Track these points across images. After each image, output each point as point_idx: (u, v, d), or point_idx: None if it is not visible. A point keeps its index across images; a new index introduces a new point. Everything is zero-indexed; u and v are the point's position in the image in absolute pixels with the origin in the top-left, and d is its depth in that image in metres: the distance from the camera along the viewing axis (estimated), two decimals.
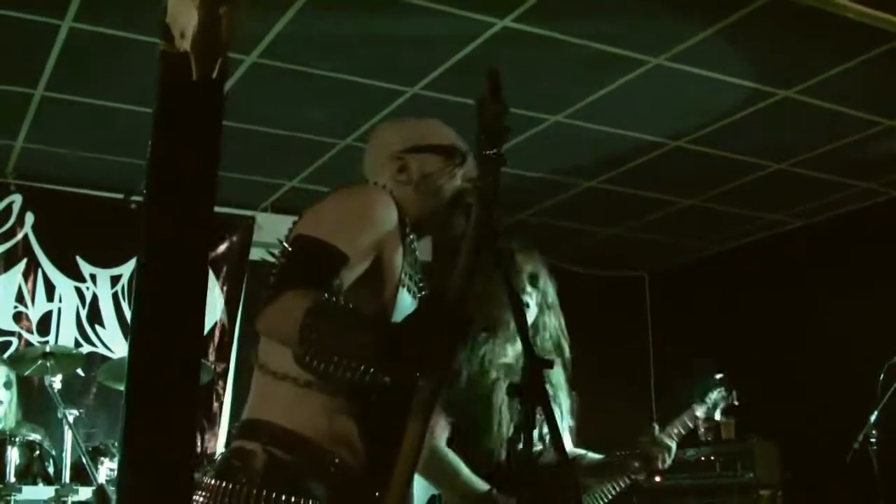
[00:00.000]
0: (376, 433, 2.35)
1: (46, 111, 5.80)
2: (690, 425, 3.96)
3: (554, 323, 3.61)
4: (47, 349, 5.76)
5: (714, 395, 4.16)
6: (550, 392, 3.50)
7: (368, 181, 2.66)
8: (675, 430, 3.85)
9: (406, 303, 2.45)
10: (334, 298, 2.21)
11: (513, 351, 3.48)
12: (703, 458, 7.17)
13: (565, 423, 3.61)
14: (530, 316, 3.51)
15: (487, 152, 2.18)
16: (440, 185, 2.61)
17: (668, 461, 3.68)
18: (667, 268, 9.10)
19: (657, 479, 3.93)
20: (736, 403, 4.25)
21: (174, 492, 1.94)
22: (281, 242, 2.39)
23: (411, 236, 2.56)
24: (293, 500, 2.24)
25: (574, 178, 7.10)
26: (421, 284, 2.59)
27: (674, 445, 3.71)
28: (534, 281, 3.54)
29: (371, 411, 2.35)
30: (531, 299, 3.52)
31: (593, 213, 7.82)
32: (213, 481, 2.31)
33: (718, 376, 4.22)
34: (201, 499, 2.30)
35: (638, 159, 6.66)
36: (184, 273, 1.61)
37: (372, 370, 2.14)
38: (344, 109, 5.88)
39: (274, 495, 2.23)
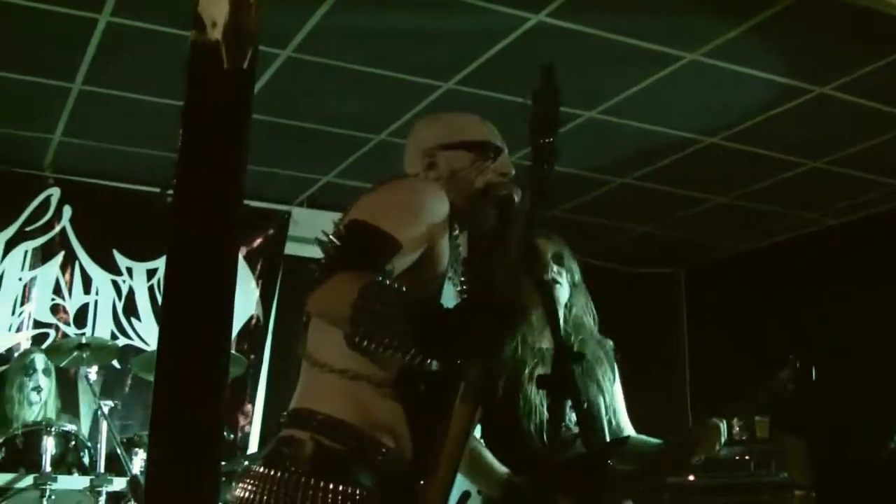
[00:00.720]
0: (422, 423, 2.37)
1: (84, 105, 5.84)
2: (747, 409, 3.81)
3: (582, 300, 3.60)
4: (83, 341, 5.81)
5: (782, 375, 4.00)
6: (586, 368, 3.49)
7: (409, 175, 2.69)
8: (728, 413, 3.72)
9: (449, 294, 2.49)
10: (387, 282, 2.23)
11: (549, 337, 3.46)
12: (736, 458, 7.12)
13: (609, 392, 3.56)
14: (564, 293, 3.50)
15: (542, 141, 2.20)
16: (470, 180, 2.63)
17: (718, 445, 3.54)
18: (703, 265, 9.03)
19: (691, 477, 3.83)
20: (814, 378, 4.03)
21: (202, 481, 1.96)
22: (336, 225, 2.41)
23: (456, 231, 2.59)
24: (341, 488, 2.26)
25: (608, 175, 7.08)
26: (462, 278, 2.61)
27: (723, 426, 3.58)
28: (559, 260, 3.52)
29: (417, 401, 2.37)
30: (561, 277, 3.50)
31: (628, 209, 7.79)
32: (262, 469, 2.34)
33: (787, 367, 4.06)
34: (251, 486, 2.32)
35: (673, 156, 6.63)
36: (212, 265, 1.61)
37: (422, 354, 2.16)
38: (379, 104, 5.88)
39: (322, 483, 2.26)
